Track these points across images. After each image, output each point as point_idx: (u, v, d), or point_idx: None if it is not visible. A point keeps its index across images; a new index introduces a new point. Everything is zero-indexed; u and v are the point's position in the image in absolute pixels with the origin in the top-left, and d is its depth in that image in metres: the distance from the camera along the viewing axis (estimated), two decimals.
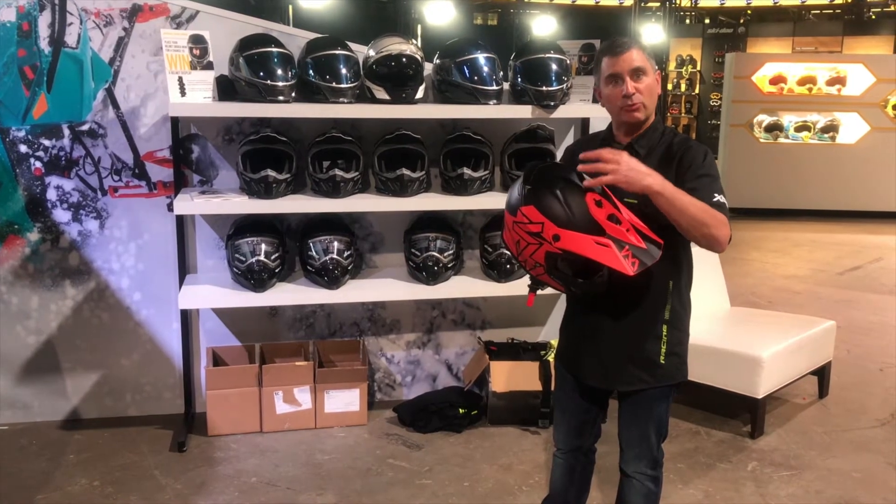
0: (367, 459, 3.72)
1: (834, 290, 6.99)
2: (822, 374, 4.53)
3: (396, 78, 3.75)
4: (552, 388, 3.97)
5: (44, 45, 3.71)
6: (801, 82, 10.70)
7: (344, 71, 3.69)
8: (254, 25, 3.88)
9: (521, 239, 2.22)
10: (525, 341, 4.27)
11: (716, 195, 2.23)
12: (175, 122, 3.77)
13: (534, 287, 2.36)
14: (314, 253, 3.85)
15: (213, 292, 3.78)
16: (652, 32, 16.54)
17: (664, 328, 2.40)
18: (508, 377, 4.04)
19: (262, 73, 3.58)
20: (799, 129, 10.59)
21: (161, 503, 3.33)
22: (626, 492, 2.55)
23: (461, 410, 4.06)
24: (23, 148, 3.78)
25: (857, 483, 3.61)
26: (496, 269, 3.97)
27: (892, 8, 15.89)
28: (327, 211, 3.87)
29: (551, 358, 4.04)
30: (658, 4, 17.57)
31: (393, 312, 4.27)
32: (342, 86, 3.67)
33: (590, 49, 4.00)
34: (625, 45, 2.32)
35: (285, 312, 4.16)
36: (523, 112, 3.89)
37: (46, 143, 3.79)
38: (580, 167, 2.19)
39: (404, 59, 3.76)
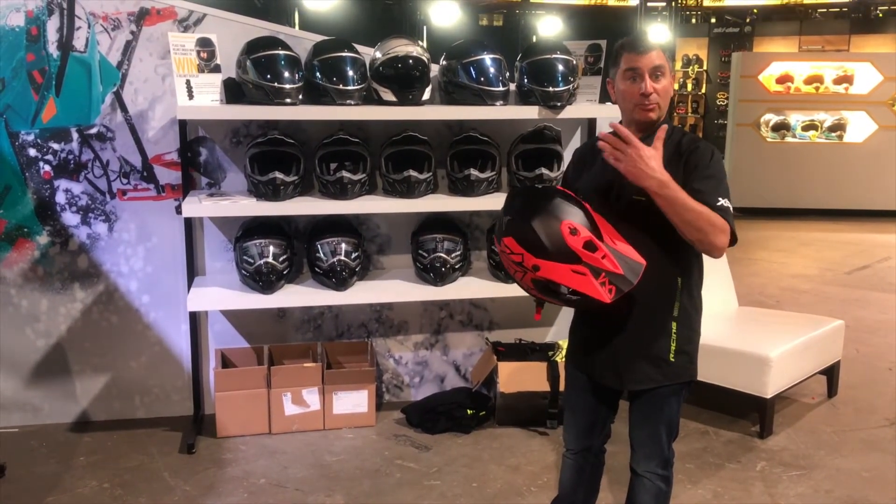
0: (376, 460, 3.72)
1: (842, 290, 6.97)
2: (830, 373, 4.51)
3: (403, 79, 3.76)
4: (560, 388, 3.98)
5: (52, 49, 3.72)
6: (808, 81, 10.67)
7: (351, 73, 3.70)
8: (260, 28, 3.89)
9: (510, 265, 2.28)
10: (533, 342, 4.27)
11: (720, 199, 2.25)
12: (183, 124, 3.78)
13: (539, 303, 2.40)
14: (322, 255, 3.86)
15: (222, 294, 3.79)
16: (657, 32, 16.53)
17: (673, 325, 2.41)
18: (516, 378, 4.04)
19: (269, 76, 3.59)
20: (806, 128, 10.55)
21: None
22: (637, 491, 2.55)
23: (469, 411, 4.06)
24: (32, 152, 3.80)
25: (867, 482, 3.60)
26: (503, 270, 3.97)
27: None
28: (335, 213, 3.88)
29: (559, 358, 4.04)
30: (663, 4, 17.55)
31: (400, 314, 4.28)
32: (349, 88, 3.68)
33: (596, 49, 4.00)
34: (648, 45, 2.35)
35: (293, 314, 4.17)
36: (530, 113, 3.89)
37: (55, 146, 3.81)
38: (600, 143, 2.22)
39: (411, 61, 3.77)
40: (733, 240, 2.29)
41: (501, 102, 3.86)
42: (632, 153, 2.16)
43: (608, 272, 2.17)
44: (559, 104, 3.86)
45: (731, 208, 2.27)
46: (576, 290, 2.18)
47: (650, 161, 2.15)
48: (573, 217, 2.19)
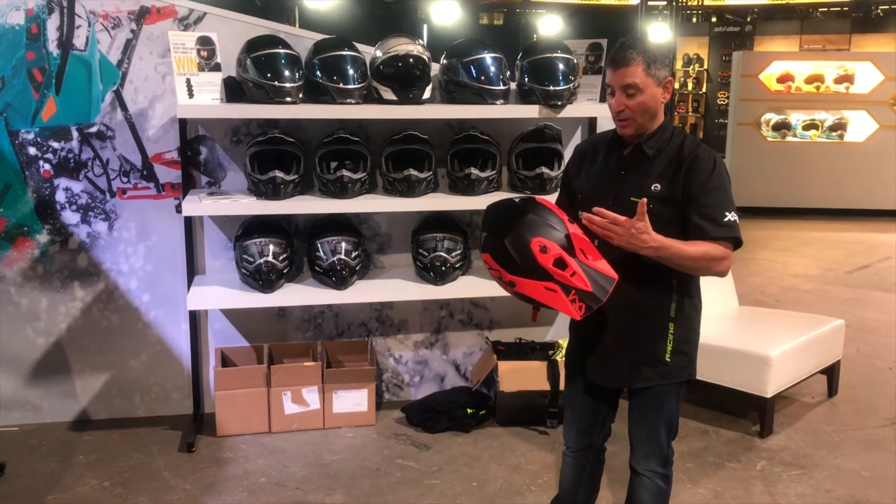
0: (376, 459, 3.72)
1: (843, 289, 6.97)
2: (831, 372, 4.51)
3: (403, 78, 3.75)
4: (560, 387, 3.97)
5: (52, 47, 3.72)
6: (809, 80, 10.66)
7: (351, 72, 3.70)
8: (261, 27, 3.89)
9: (494, 278, 2.35)
10: (533, 341, 4.26)
11: (727, 214, 2.28)
12: (183, 123, 3.77)
13: (535, 307, 2.41)
14: (322, 253, 3.86)
15: (222, 293, 3.79)
16: (658, 31, 16.52)
17: (670, 326, 2.41)
18: (516, 377, 4.04)
19: (269, 75, 3.58)
20: (807, 127, 10.56)
21: (170, 503, 3.34)
22: (637, 490, 2.55)
23: (469, 410, 4.06)
24: (32, 150, 3.79)
25: (867, 482, 3.60)
26: None
27: None
28: (335, 211, 3.87)
29: (559, 357, 4.04)
30: (664, 3, 17.54)
31: (401, 313, 4.27)
32: (349, 86, 3.67)
33: (597, 48, 3.99)
34: (626, 59, 2.30)
35: (293, 313, 4.16)
36: (530, 112, 3.89)
37: (55, 145, 3.81)
38: (586, 218, 2.25)
39: (411, 60, 3.76)
40: (737, 244, 2.32)
41: (502, 101, 3.86)
42: (621, 231, 2.21)
43: (578, 289, 2.21)
44: (560, 103, 3.86)
45: (737, 219, 2.29)
46: (548, 306, 2.23)
47: (641, 235, 2.20)
48: (544, 234, 2.22)
